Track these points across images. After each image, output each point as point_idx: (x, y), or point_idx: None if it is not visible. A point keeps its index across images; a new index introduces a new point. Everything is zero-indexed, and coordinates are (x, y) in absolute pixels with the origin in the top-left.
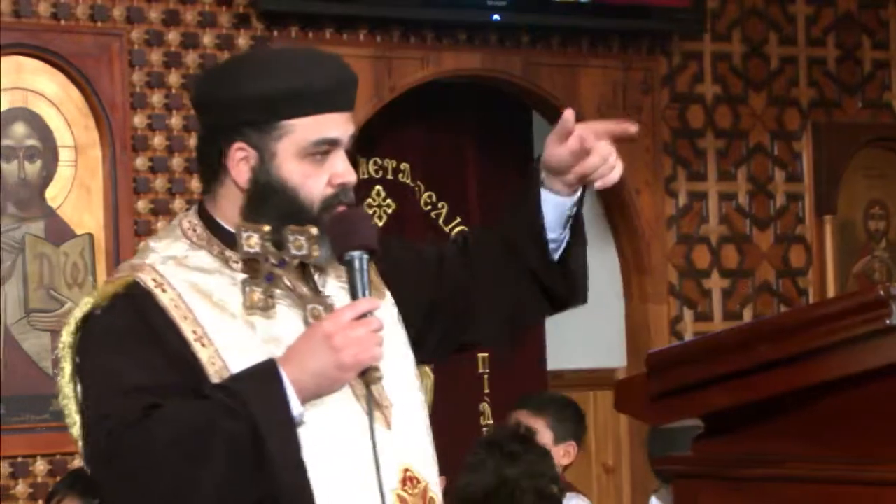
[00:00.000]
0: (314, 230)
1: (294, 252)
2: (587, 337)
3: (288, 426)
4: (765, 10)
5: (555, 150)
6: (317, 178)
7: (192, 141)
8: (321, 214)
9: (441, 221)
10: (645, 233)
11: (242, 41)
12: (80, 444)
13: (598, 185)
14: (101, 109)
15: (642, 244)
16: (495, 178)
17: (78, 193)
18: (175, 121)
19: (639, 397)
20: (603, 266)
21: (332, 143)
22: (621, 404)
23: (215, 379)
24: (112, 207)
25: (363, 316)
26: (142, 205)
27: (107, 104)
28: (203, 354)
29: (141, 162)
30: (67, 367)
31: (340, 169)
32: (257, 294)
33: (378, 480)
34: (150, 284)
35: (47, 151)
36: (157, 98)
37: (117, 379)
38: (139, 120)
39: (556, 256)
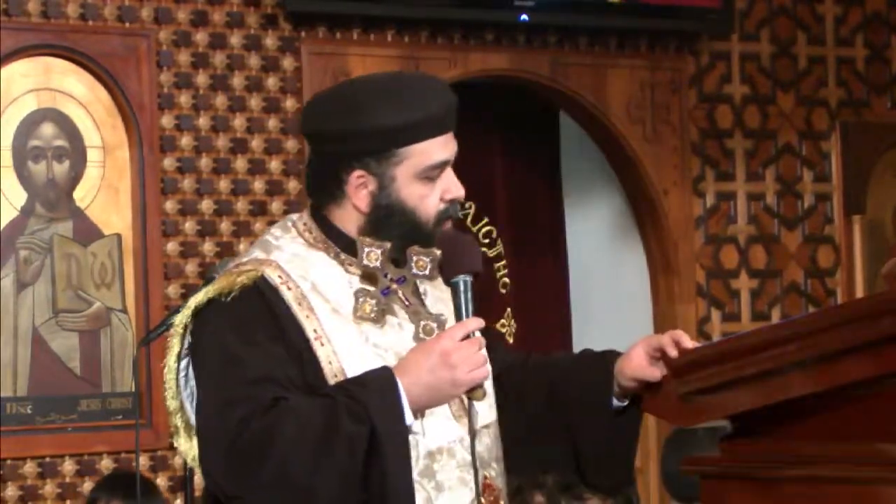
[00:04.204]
0: (438, 252)
1: (416, 271)
2: (614, 338)
3: (402, 435)
4: (793, 10)
5: (643, 362)
6: (431, 197)
7: (220, 141)
8: (435, 228)
9: (469, 221)
10: (673, 233)
11: (270, 42)
12: (176, 417)
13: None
14: (129, 110)
15: (670, 245)
16: (522, 178)
17: (106, 194)
18: (203, 121)
19: (666, 398)
20: (630, 267)
21: (444, 165)
22: (648, 405)
23: (330, 377)
24: (140, 208)
25: (469, 335)
26: (169, 205)
27: (135, 105)
28: (321, 353)
29: (169, 162)
30: (176, 346)
31: (450, 185)
32: (369, 305)
33: (476, 486)
34: (277, 280)
35: (75, 152)
36: (184, 98)
37: (243, 368)
38: (167, 120)
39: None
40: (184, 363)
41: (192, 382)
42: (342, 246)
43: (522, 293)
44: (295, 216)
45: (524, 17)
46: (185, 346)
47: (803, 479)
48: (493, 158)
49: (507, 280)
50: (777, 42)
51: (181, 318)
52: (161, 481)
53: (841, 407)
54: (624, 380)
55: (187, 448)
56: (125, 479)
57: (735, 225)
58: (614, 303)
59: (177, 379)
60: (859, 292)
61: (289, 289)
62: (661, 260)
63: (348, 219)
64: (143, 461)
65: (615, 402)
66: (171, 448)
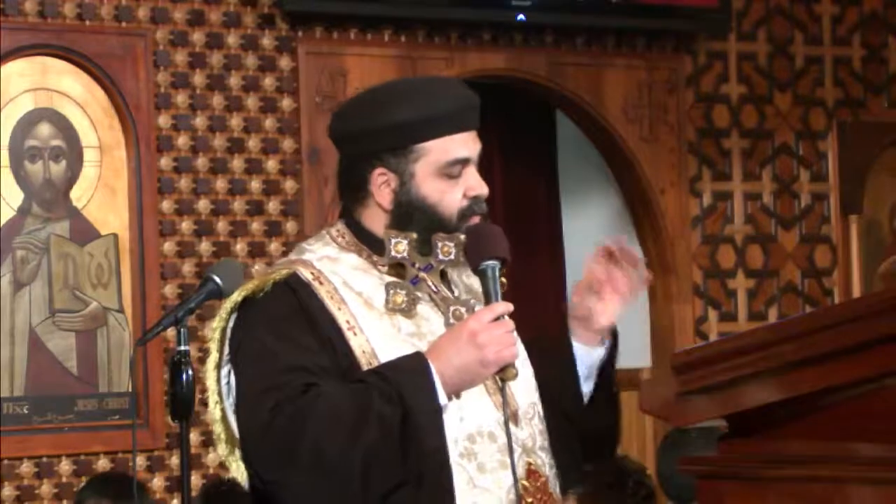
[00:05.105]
0: (462, 237)
1: (441, 257)
2: None
3: (435, 415)
4: (790, 10)
5: (580, 299)
6: (453, 193)
7: (217, 141)
8: (458, 224)
9: None
10: (670, 233)
11: (267, 41)
12: (217, 424)
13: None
14: (126, 110)
15: (667, 244)
16: (520, 177)
17: (102, 194)
18: (199, 121)
19: (664, 398)
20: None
21: (464, 162)
22: (646, 404)
23: (364, 364)
24: (136, 208)
25: (499, 318)
26: (166, 205)
27: (131, 104)
28: (354, 342)
29: (165, 162)
30: (215, 352)
31: (473, 182)
32: (400, 296)
33: (512, 465)
34: (309, 277)
35: (72, 152)
36: (181, 98)
37: (277, 359)
38: (164, 120)
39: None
40: (224, 371)
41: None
42: (374, 248)
43: (519, 292)
44: (328, 226)
45: (521, 16)
46: (225, 353)
47: (800, 480)
48: (490, 158)
49: (504, 279)
50: (774, 42)
51: (218, 323)
52: (158, 481)
53: (838, 407)
54: (575, 322)
55: (231, 459)
56: (113, 480)
57: (732, 224)
58: None
59: (219, 387)
60: (856, 292)
61: (321, 283)
62: (658, 259)
63: (376, 219)
64: (140, 461)
65: (583, 346)
66: (168, 448)
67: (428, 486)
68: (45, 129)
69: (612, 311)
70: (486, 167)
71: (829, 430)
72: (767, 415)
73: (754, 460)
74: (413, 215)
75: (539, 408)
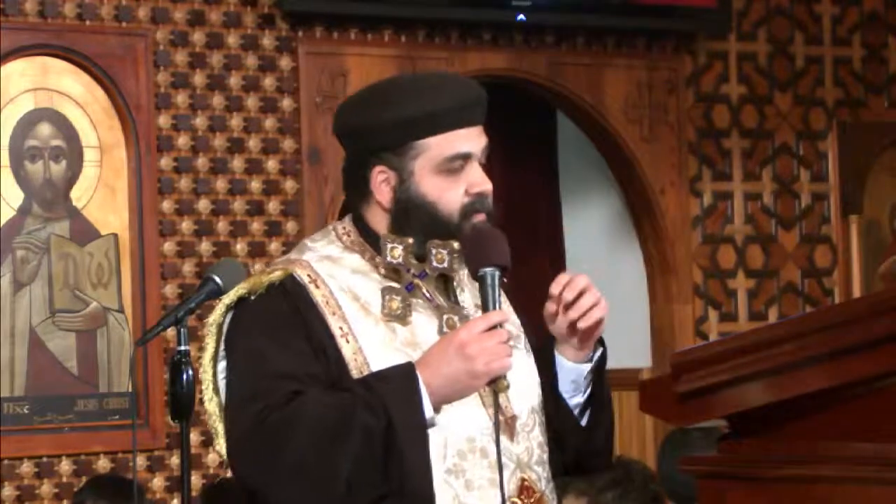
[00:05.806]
0: (456, 245)
1: (435, 265)
2: (612, 337)
3: (419, 428)
4: (790, 10)
5: (551, 319)
6: (454, 191)
7: (217, 141)
8: (461, 223)
9: None
10: (670, 233)
11: (267, 41)
12: (214, 419)
13: (581, 325)
14: (126, 110)
15: (667, 244)
16: (520, 178)
17: (103, 194)
18: (200, 121)
19: (664, 398)
20: (627, 266)
21: (465, 157)
22: (646, 405)
23: (355, 373)
24: (137, 208)
25: (494, 328)
26: (166, 205)
27: (132, 104)
28: (346, 350)
29: (165, 162)
30: (211, 346)
31: (475, 178)
32: (396, 303)
33: (500, 483)
34: (305, 279)
35: (72, 152)
36: (181, 98)
37: (266, 363)
38: (164, 120)
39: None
40: (221, 365)
41: None
42: (377, 248)
43: (519, 293)
44: (337, 222)
45: (521, 16)
46: (221, 348)
47: (801, 479)
48: (490, 158)
49: (504, 279)
50: (774, 42)
51: (214, 318)
52: (158, 481)
53: (839, 406)
54: (560, 341)
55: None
56: (109, 482)
57: (732, 225)
58: (611, 302)
59: (214, 382)
60: (856, 292)
61: (317, 287)
62: (659, 259)
63: (378, 218)
64: (140, 461)
65: (568, 362)
66: (168, 448)
67: (410, 501)
68: (45, 129)
69: (589, 325)
70: (485, 167)
71: (829, 430)
72: (767, 415)
73: (754, 460)
74: (412, 213)
75: (541, 417)
